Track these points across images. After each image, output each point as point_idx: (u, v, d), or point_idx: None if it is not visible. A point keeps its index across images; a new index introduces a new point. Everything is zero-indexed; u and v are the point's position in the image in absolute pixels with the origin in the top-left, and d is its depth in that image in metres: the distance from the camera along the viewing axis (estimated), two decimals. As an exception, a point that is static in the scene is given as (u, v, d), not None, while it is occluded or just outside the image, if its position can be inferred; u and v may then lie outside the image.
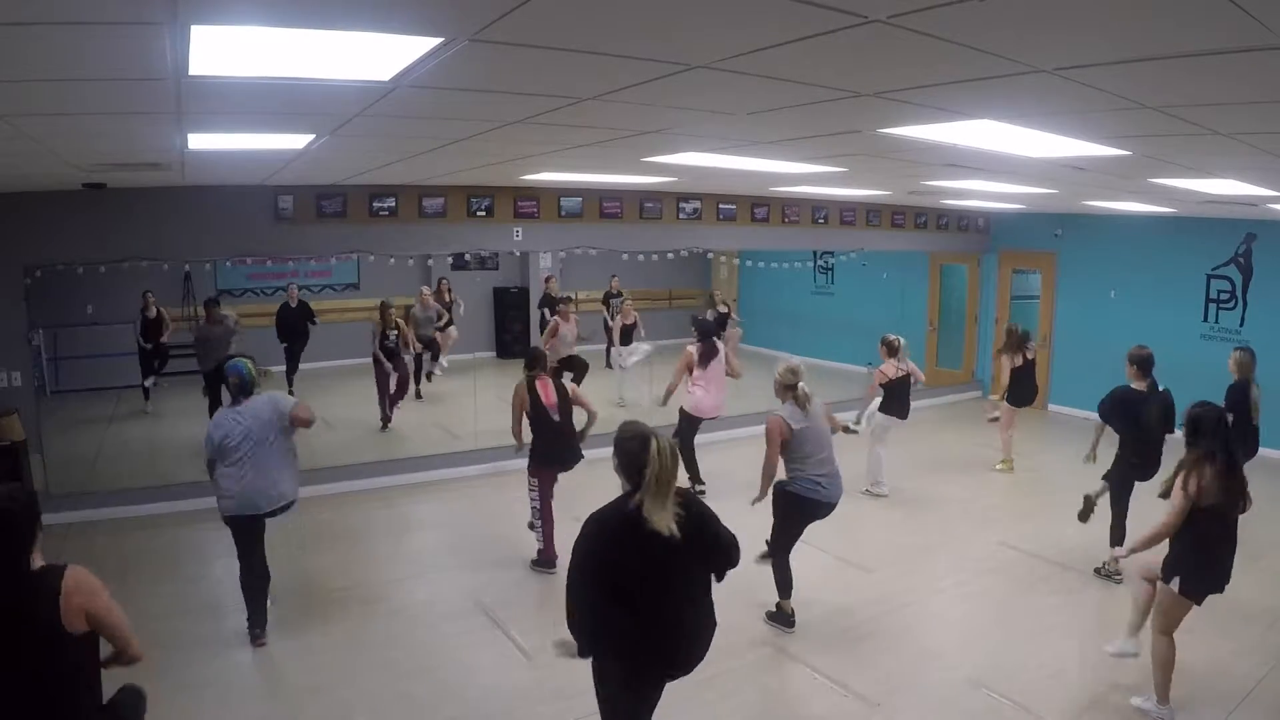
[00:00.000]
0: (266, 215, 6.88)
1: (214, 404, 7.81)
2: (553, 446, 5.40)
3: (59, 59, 2.23)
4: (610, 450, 2.79)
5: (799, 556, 4.86)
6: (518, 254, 11.42)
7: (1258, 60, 2.06)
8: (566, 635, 2.84)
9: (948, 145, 3.95)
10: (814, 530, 4.88)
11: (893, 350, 7.06)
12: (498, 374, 12.00)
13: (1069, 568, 5.65)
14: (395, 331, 8.87)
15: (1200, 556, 3.73)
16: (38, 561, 2.43)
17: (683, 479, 3.01)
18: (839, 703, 4.06)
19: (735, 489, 7.34)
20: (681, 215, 8.82)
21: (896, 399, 7.14)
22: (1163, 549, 3.83)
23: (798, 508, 4.67)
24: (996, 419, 8.15)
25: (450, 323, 10.69)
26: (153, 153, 4.29)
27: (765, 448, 4.63)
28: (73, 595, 2.39)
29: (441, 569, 5.69)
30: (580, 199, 8.19)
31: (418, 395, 10.07)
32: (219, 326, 8.13)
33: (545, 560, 5.51)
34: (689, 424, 7.08)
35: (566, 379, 7.93)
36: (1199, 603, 3.79)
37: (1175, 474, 3.76)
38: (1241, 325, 8.81)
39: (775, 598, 4.77)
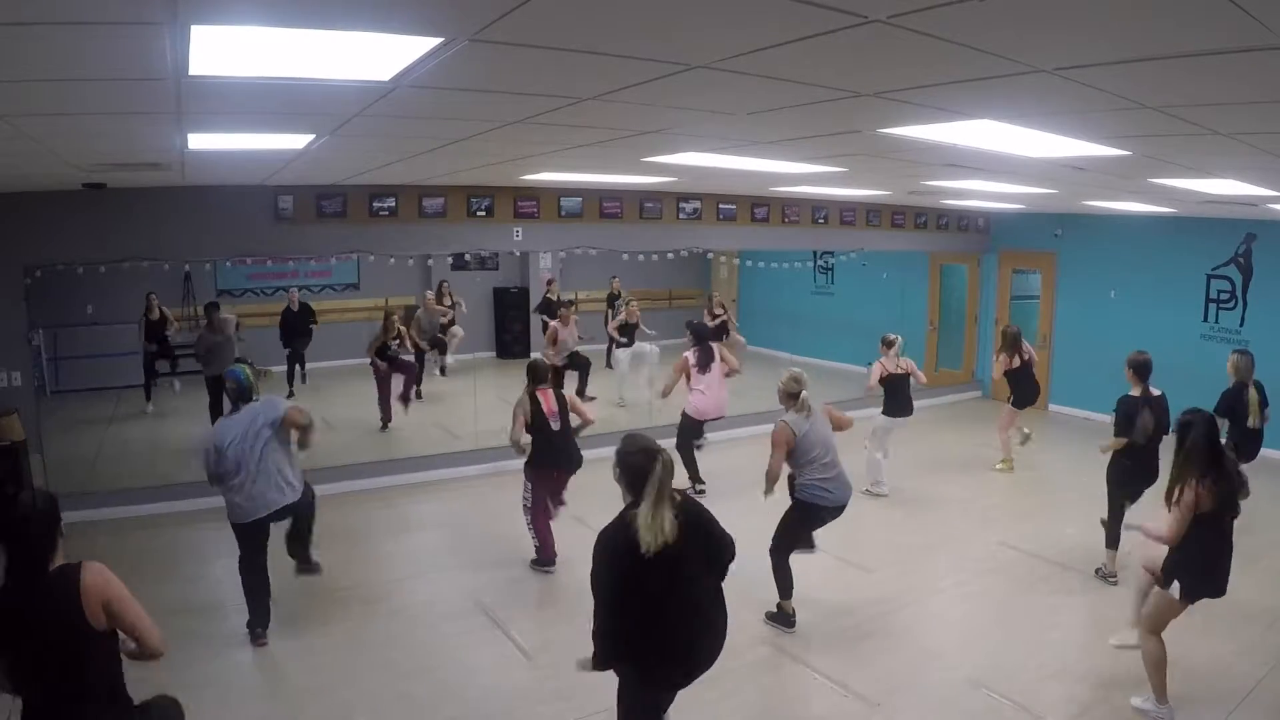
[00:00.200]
0: (266, 215, 6.88)
1: (215, 406, 7.83)
2: (551, 452, 5.41)
3: (59, 59, 2.22)
4: (609, 452, 2.80)
5: (799, 557, 4.86)
6: (518, 254, 11.42)
7: (1258, 60, 2.06)
8: (587, 653, 2.92)
9: (948, 145, 3.95)
10: (815, 530, 4.89)
11: (888, 345, 7.18)
12: (498, 374, 12.01)
13: (1069, 568, 5.65)
14: (396, 340, 8.83)
15: (1203, 563, 3.76)
16: (60, 560, 2.45)
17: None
18: (839, 703, 4.06)
19: (736, 489, 7.37)
20: (681, 215, 8.82)
21: (896, 397, 7.17)
22: (1163, 549, 3.84)
23: (806, 516, 4.75)
24: (1027, 436, 8.05)
25: (453, 321, 10.72)
26: (153, 153, 4.29)
27: (771, 451, 4.67)
28: (91, 590, 2.41)
29: (441, 569, 5.69)
30: (580, 199, 8.19)
31: (418, 395, 10.07)
32: (219, 334, 8.13)
33: (545, 560, 5.52)
34: (690, 426, 7.14)
35: (570, 388, 7.97)
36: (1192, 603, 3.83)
37: (1172, 486, 3.77)
38: (1241, 325, 8.81)
39: (775, 598, 4.78)
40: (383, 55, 2.29)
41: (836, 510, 4.75)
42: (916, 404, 7.48)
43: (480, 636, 4.73)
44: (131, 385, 9.78)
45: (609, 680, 3.31)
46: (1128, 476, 5.33)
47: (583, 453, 5.53)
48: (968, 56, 2.17)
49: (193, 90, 2.68)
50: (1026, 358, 7.73)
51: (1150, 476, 5.26)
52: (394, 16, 1.95)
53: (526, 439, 5.40)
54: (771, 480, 4.70)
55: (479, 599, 5.14)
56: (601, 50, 2.26)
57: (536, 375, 5.53)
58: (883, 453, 7.25)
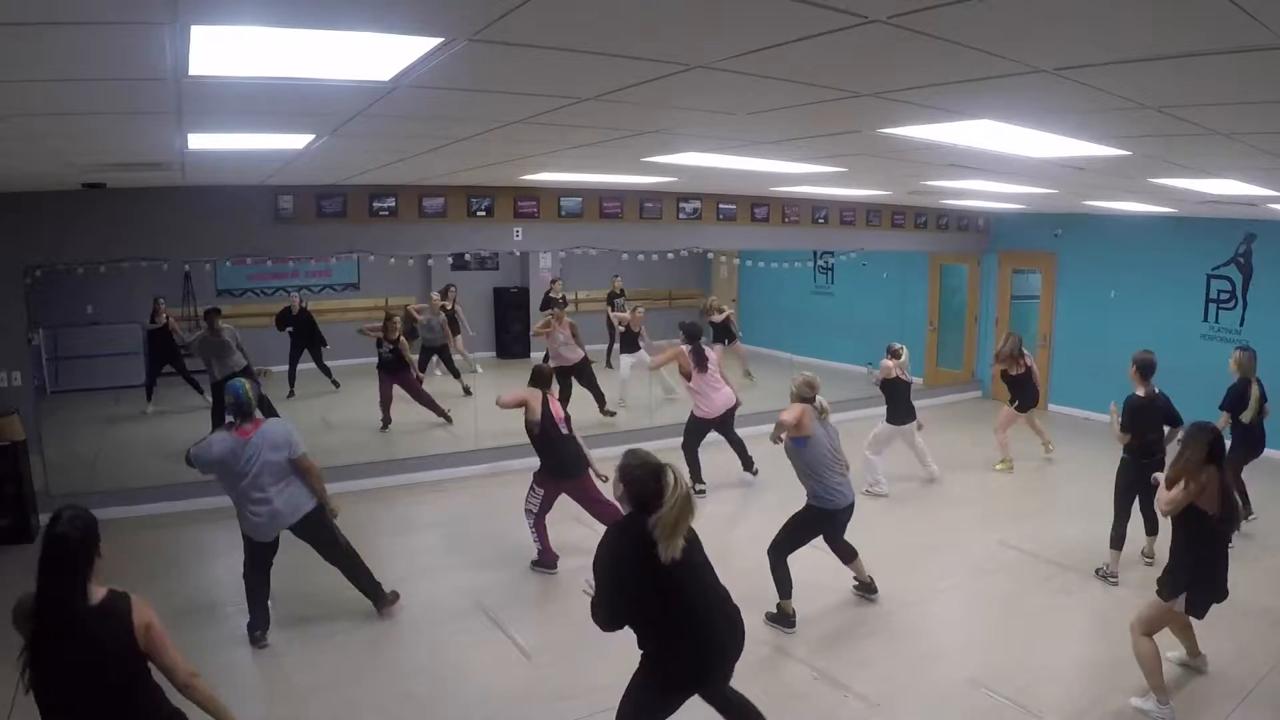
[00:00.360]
0: (266, 215, 6.88)
1: (218, 410, 7.83)
2: (558, 459, 5.38)
3: (59, 59, 2.22)
4: (608, 452, 2.84)
5: (799, 557, 4.86)
6: (518, 254, 11.44)
7: (1258, 60, 2.06)
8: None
9: (948, 145, 3.95)
10: (826, 535, 4.90)
11: (894, 356, 7.26)
12: (498, 374, 12.02)
13: (1069, 568, 5.65)
14: (393, 345, 8.66)
15: (1199, 573, 3.82)
16: (99, 586, 2.41)
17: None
18: (839, 703, 4.06)
19: (737, 490, 7.39)
20: (681, 215, 8.82)
21: (897, 403, 7.23)
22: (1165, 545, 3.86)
23: (818, 521, 4.80)
24: (1049, 455, 8.21)
25: (454, 321, 10.74)
26: (153, 153, 4.29)
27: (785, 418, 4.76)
28: (139, 625, 2.40)
29: (442, 569, 5.69)
30: (580, 199, 8.19)
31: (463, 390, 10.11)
32: (217, 338, 8.12)
33: (546, 562, 5.51)
34: (696, 427, 7.17)
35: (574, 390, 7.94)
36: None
37: (1175, 477, 3.82)
38: (1241, 325, 8.80)
39: (775, 598, 4.78)
40: (383, 55, 2.29)
41: (848, 511, 4.81)
42: (916, 404, 7.50)
43: (480, 636, 4.73)
44: (131, 385, 9.79)
45: (609, 681, 3.30)
46: (1136, 478, 5.35)
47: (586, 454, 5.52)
48: (968, 56, 2.17)
49: (193, 90, 2.68)
50: (1029, 365, 7.80)
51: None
52: (394, 16, 1.95)
53: (510, 399, 5.40)
54: (780, 428, 4.76)
55: (479, 599, 5.14)
56: (601, 50, 2.26)
57: (544, 381, 5.49)
58: (876, 452, 7.25)
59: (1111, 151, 3.97)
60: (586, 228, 8.33)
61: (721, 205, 9.05)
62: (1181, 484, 3.78)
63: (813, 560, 5.09)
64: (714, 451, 7.43)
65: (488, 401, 8.47)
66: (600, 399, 9.14)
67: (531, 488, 5.49)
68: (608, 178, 7.00)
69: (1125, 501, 5.43)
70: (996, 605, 5.21)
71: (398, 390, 8.79)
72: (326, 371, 10.53)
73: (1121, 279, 9.85)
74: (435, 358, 10.36)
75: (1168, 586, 3.86)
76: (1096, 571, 5.49)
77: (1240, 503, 3.92)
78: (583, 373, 9.02)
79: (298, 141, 4.11)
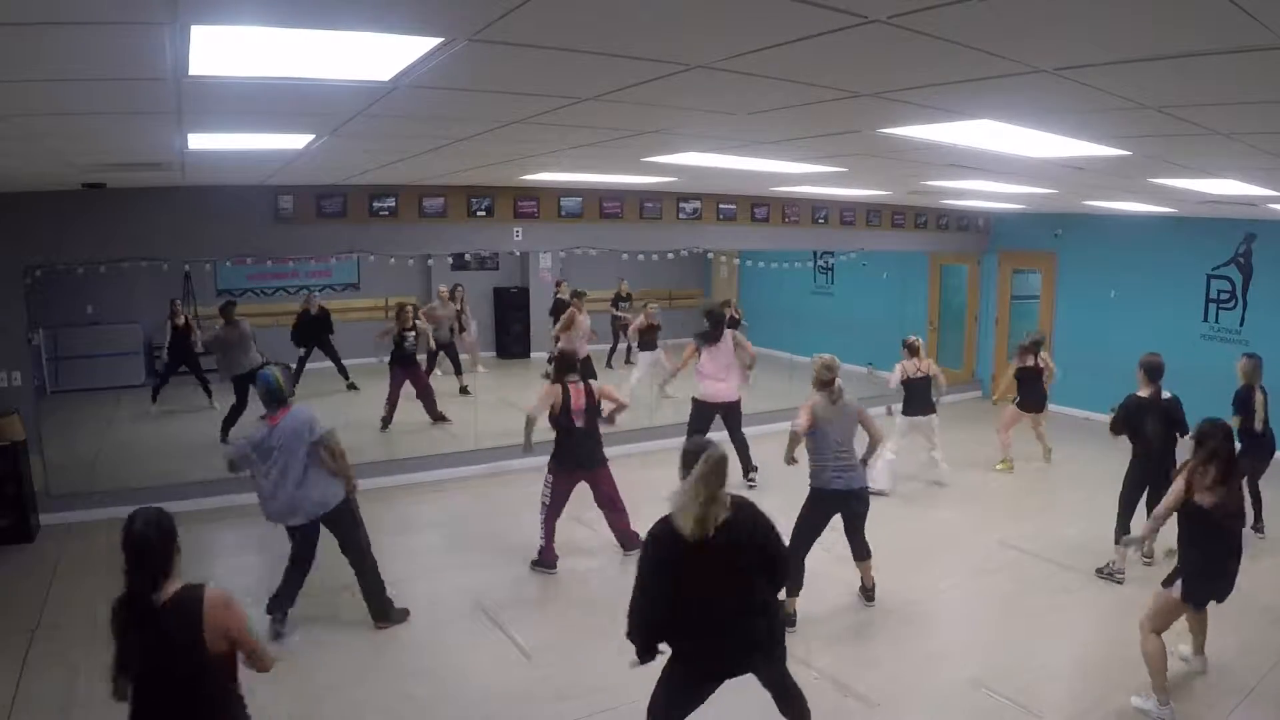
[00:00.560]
0: (266, 215, 6.88)
1: (239, 407, 7.85)
2: (573, 450, 5.38)
3: (59, 59, 2.23)
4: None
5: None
6: (518, 254, 11.44)
7: (1258, 60, 2.06)
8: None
9: (948, 145, 3.95)
10: (831, 516, 4.89)
11: (913, 351, 7.32)
12: (498, 374, 12.03)
13: (1069, 568, 5.65)
14: (413, 333, 8.70)
15: (1203, 567, 3.83)
16: (174, 584, 2.44)
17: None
18: (839, 703, 4.06)
19: (737, 491, 7.36)
20: (681, 215, 8.82)
21: (917, 398, 7.29)
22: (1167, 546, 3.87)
23: (813, 501, 4.80)
24: (1047, 463, 8.24)
25: (460, 318, 10.73)
26: (153, 153, 4.29)
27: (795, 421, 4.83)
28: (212, 615, 2.41)
29: (442, 569, 5.69)
30: (580, 199, 8.18)
31: (462, 390, 10.10)
32: (234, 330, 8.12)
33: (545, 561, 5.51)
34: (699, 412, 7.11)
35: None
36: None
37: (1181, 468, 3.86)
38: (1241, 325, 8.80)
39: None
40: (383, 55, 2.29)
41: (846, 495, 4.75)
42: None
43: (481, 636, 4.73)
44: (131, 385, 9.78)
45: (609, 681, 3.32)
46: (1141, 478, 5.37)
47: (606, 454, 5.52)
48: (968, 56, 2.17)
49: (193, 90, 2.68)
50: (1040, 366, 7.82)
51: (1164, 481, 5.27)
52: (394, 16, 1.95)
53: (542, 424, 5.35)
54: (794, 442, 4.84)
55: (479, 599, 5.14)
56: (601, 50, 2.26)
57: (568, 367, 5.45)
58: (893, 450, 7.24)
59: (1111, 151, 3.98)
60: (586, 228, 8.34)
61: (721, 205, 9.05)
62: (1180, 479, 3.79)
63: (812, 560, 5.08)
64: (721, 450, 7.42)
65: (488, 401, 8.50)
66: None
67: (546, 477, 5.48)
68: (608, 178, 6.99)
69: (1130, 500, 5.44)
70: (997, 605, 5.22)
71: (404, 389, 8.79)
72: (343, 372, 10.44)
73: (1121, 279, 9.85)
74: (441, 354, 10.35)
75: (1172, 576, 3.90)
76: (1098, 571, 5.49)
77: (1246, 503, 3.94)
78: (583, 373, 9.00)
79: (298, 141, 4.11)
